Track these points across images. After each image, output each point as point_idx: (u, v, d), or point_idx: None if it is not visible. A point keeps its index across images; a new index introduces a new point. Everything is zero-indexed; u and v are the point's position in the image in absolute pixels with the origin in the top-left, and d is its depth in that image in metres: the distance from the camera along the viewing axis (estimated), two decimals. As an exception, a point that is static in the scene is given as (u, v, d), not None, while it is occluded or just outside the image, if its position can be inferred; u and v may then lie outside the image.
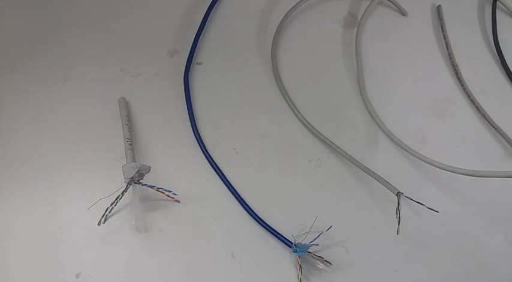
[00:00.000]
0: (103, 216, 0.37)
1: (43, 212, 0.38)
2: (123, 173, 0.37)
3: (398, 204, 0.36)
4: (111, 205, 0.37)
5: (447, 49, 0.49)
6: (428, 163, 0.39)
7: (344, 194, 0.40)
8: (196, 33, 0.48)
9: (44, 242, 0.37)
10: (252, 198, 0.39)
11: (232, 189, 0.40)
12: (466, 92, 0.46)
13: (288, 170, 0.41)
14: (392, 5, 0.52)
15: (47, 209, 0.39)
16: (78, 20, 0.50)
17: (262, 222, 0.38)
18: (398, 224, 0.35)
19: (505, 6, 0.52)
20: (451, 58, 0.48)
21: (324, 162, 0.42)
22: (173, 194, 0.38)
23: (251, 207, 0.39)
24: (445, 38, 0.50)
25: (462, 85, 0.46)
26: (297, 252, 0.35)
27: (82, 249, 0.37)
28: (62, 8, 0.50)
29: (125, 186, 0.37)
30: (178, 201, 0.39)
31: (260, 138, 0.43)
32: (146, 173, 0.38)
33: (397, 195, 0.36)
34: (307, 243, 0.36)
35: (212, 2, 0.50)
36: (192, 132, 0.43)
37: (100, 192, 0.37)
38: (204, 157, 0.41)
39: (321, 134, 0.42)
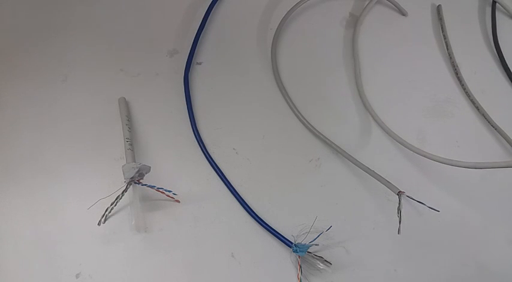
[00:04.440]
0: (103, 216, 0.37)
1: (43, 211, 0.38)
2: (123, 173, 0.37)
3: (400, 203, 0.36)
4: (111, 205, 0.37)
5: (447, 49, 0.49)
6: (429, 158, 0.39)
7: (344, 194, 0.40)
8: (196, 33, 0.48)
9: (44, 242, 0.37)
10: (252, 198, 0.39)
11: (232, 189, 0.40)
12: (466, 92, 0.46)
13: (288, 169, 0.41)
14: (392, 5, 0.52)
15: (47, 209, 0.39)
16: (78, 20, 0.50)
17: (262, 222, 0.38)
18: (399, 223, 0.35)
19: (504, 7, 0.52)
20: (451, 58, 0.48)
21: (324, 162, 0.42)
22: (173, 194, 0.38)
23: (251, 207, 0.39)
24: (445, 38, 0.50)
25: (462, 85, 0.46)
26: (297, 252, 0.35)
27: (82, 249, 0.37)
28: (62, 8, 0.50)
29: (125, 186, 0.37)
30: (178, 201, 0.39)
31: (260, 138, 0.43)
32: (146, 173, 0.38)
33: (398, 194, 0.36)
34: (307, 243, 0.36)
35: (212, 2, 0.50)
36: (192, 132, 0.43)
37: (100, 192, 0.37)
38: (204, 157, 0.41)
39: (321, 134, 0.42)
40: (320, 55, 0.49)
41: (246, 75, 0.47)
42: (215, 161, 0.41)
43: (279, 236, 0.37)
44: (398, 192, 0.36)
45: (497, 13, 0.52)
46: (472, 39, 0.51)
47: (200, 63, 0.47)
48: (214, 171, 0.41)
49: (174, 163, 0.41)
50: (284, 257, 0.37)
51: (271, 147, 0.43)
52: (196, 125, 0.43)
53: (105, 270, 0.36)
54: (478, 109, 0.45)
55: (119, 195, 0.37)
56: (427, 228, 0.38)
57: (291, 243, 0.36)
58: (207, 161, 0.41)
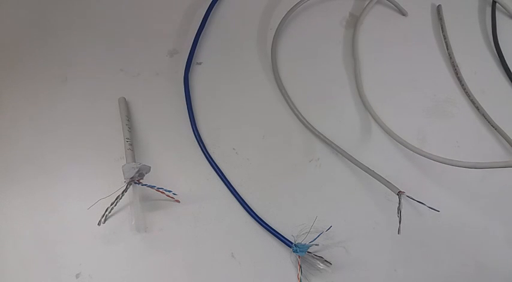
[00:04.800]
0: (103, 216, 0.37)
1: (43, 211, 0.38)
2: (123, 173, 0.37)
3: (400, 203, 0.36)
4: (111, 205, 0.37)
5: (447, 49, 0.49)
6: (429, 158, 0.39)
7: (344, 194, 0.40)
8: (196, 33, 0.48)
9: (44, 242, 0.37)
10: (252, 198, 0.39)
11: (232, 189, 0.40)
12: (466, 92, 0.46)
13: (288, 170, 0.41)
14: (392, 5, 0.52)
15: (47, 209, 0.39)
16: (78, 20, 0.50)
17: (262, 222, 0.38)
18: (399, 223, 0.35)
19: (504, 7, 0.52)
20: (451, 58, 0.48)
21: (324, 162, 0.42)
22: (173, 194, 0.38)
23: (251, 207, 0.39)
24: (445, 38, 0.50)
25: (462, 85, 0.46)
26: (297, 252, 0.35)
27: (82, 249, 0.37)
28: (62, 8, 0.50)
29: (125, 186, 0.37)
30: (178, 201, 0.39)
31: (260, 138, 0.43)
32: (146, 173, 0.38)
33: (398, 194, 0.36)
34: (307, 243, 0.36)
35: (212, 2, 0.50)
36: (192, 132, 0.43)
37: (100, 192, 0.37)
38: (204, 157, 0.41)
39: (321, 134, 0.42)
40: (320, 55, 0.49)
41: (246, 75, 0.47)
42: (215, 161, 0.41)
43: (279, 236, 0.37)
44: (398, 192, 0.36)
45: (497, 13, 0.52)
46: (472, 39, 0.51)
47: (200, 63, 0.47)
48: (214, 171, 0.41)
49: (174, 163, 0.41)
50: (284, 257, 0.37)
51: (271, 147, 0.43)
52: (196, 125, 0.43)
53: (105, 270, 0.36)
54: (478, 109, 0.45)
55: (118, 195, 0.37)
56: (427, 228, 0.38)
57: (291, 243, 0.36)
58: (207, 161, 0.41)
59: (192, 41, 0.48)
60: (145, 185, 0.38)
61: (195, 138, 0.42)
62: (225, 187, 0.40)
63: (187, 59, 0.47)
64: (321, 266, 0.36)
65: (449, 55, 0.49)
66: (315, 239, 0.36)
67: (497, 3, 0.52)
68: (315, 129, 0.43)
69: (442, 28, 0.50)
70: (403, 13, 0.52)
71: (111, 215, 0.38)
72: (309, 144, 0.43)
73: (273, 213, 0.39)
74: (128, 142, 0.40)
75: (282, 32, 0.49)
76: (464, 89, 0.46)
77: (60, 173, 0.40)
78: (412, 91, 0.46)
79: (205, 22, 0.49)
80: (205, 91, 0.46)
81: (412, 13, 0.52)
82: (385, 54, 0.49)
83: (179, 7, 0.51)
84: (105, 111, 0.43)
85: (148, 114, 0.44)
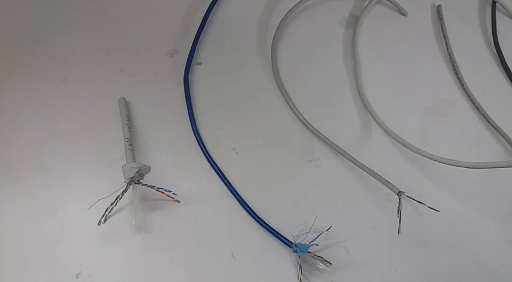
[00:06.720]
0: (103, 216, 0.37)
1: (43, 212, 0.38)
2: (123, 173, 0.37)
3: (400, 203, 0.36)
4: (111, 205, 0.37)
5: (447, 49, 0.49)
6: (429, 158, 0.39)
7: (344, 194, 0.40)
8: (196, 33, 0.48)
9: (44, 242, 0.37)
10: (252, 198, 0.39)
11: (232, 189, 0.40)
12: (466, 92, 0.46)
13: (288, 170, 0.41)
14: (392, 5, 0.52)
15: (47, 209, 0.39)
16: (78, 20, 0.50)
17: (262, 222, 0.38)
18: (399, 223, 0.35)
19: (504, 7, 0.52)
20: (451, 58, 0.48)
21: (324, 162, 0.42)
22: (173, 194, 0.38)
23: (251, 207, 0.39)
24: (445, 38, 0.50)
25: (462, 85, 0.47)
26: (297, 252, 0.35)
27: (82, 249, 0.37)
28: (62, 8, 0.50)
29: (124, 186, 0.37)
30: (178, 201, 0.39)
31: (260, 138, 0.43)
32: (146, 173, 0.38)
33: (398, 194, 0.36)
34: (307, 243, 0.36)
35: (212, 2, 0.50)
36: (192, 132, 0.43)
37: (100, 192, 0.37)
38: (204, 157, 0.41)
39: (321, 134, 0.42)
40: (320, 55, 0.49)
41: (246, 75, 0.47)
42: (215, 161, 0.41)
43: (279, 236, 0.37)
44: (398, 192, 0.36)
45: (497, 13, 0.52)
46: (472, 39, 0.51)
47: (200, 63, 0.47)
48: (214, 171, 0.41)
49: (174, 163, 0.41)
50: (284, 257, 0.37)
51: (271, 148, 0.43)
52: (196, 125, 0.43)
53: (105, 270, 0.36)
54: (478, 109, 0.45)
55: (118, 195, 0.37)
56: (427, 228, 0.38)
57: (291, 243, 0.36)
58: (207, 161, 0.41)
59: (192, 41, 0.48)
60: (145, 185, 0.38)
61: (195, 138, 0.42)
62: (225, 187, 0.40)
63: (187, 59, 0.47)
64: (321, 266, 0.36)
65: (449, 55, 0.49)
66: (315, 239, 0.36)
67: (497, 3, 0.52)
68: (315, 129, 0.43)
69: (442, 28, 0.50)
70: (403, 13, 0.52)
71: (111, 215, 0.38)
72: (309, 144, 0.43)
73: (273, 213, 0.39)
74: (128, 142, 0.40)
75: (282, 32, 0.49)
76: (464, 89, 0.46)
77: (60, 173, 0.40)
78: (412, 91, 0.46)
79: (205, 22, 0.49)
80: (205, 91, 0.46)
81: (412, 13, 0.52)
82: (385, 54, 0.49)
83: (179, 7, 0.51)
84: (105, 111, 0.43)
85: (148, 114, 0.44)
